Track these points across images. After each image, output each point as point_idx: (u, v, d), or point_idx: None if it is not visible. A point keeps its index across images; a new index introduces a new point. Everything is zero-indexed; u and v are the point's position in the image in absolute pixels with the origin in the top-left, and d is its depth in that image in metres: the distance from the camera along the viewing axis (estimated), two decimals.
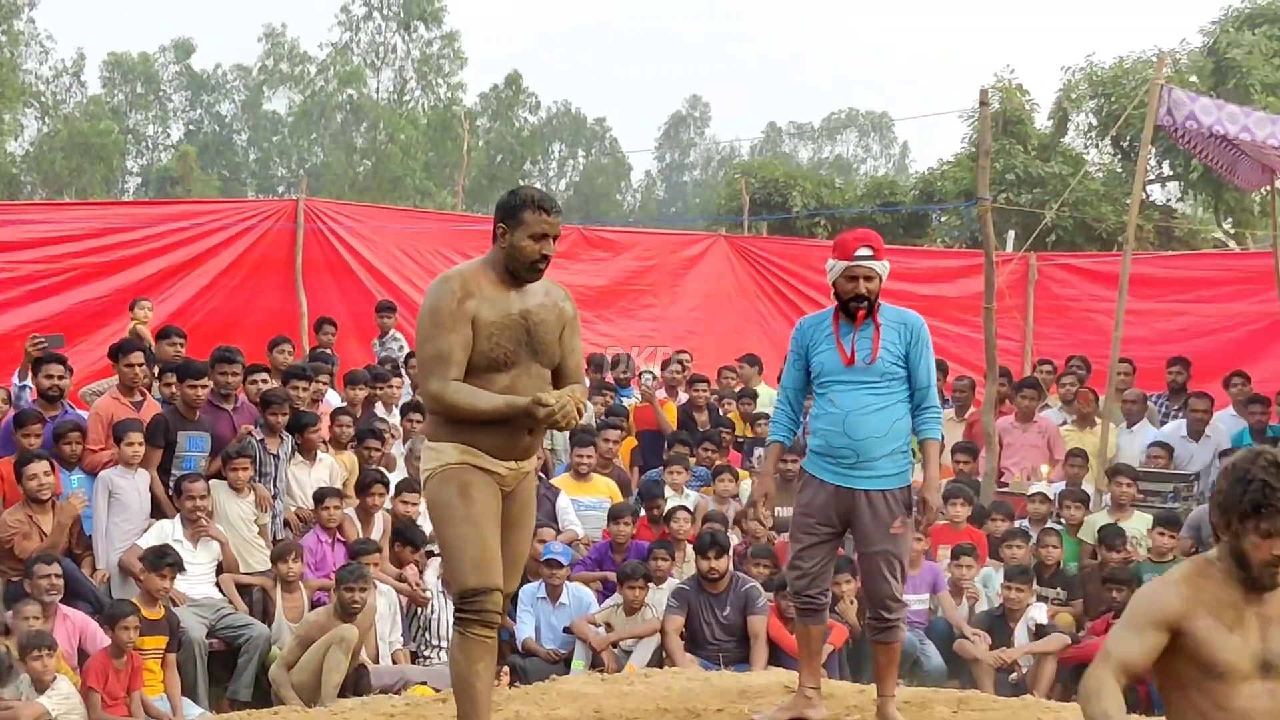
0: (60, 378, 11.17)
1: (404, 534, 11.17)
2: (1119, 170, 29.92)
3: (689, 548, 11.38)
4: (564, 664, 10.74)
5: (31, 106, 59.24)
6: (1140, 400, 14.05)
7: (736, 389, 15.84)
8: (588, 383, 6.45)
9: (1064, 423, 14.20)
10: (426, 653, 10.86)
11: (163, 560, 9.63)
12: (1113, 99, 28.12)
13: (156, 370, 12.01)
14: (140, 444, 10.54)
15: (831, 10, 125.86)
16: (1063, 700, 9.53)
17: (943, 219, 31.00)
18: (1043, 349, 17.88)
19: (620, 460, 13.84)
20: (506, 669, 10.57)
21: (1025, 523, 12.26)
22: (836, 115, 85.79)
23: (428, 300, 5.97)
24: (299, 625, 10.18)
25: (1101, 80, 29.15)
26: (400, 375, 14.32)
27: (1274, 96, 26.85)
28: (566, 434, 13.72)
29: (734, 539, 11.83)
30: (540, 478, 12.43)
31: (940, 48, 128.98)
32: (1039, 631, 10.84)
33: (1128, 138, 27.64)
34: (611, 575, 11.45)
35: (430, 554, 11.25)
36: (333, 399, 13.30)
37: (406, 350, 15.35)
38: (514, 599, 11.24)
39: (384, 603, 10.62)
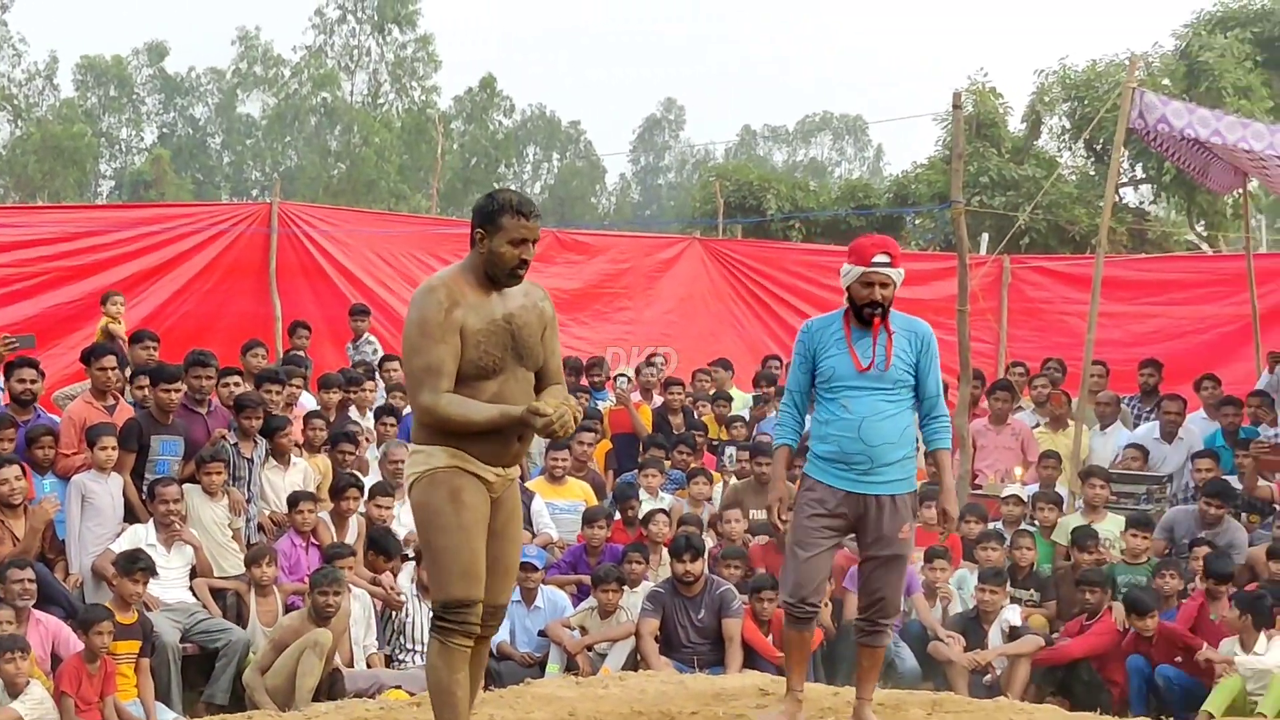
0: (32, 381, 11.14)
1: (379, 543, 11.13)
2: (1092, 173, 30.01)
3: (665, 551, 11.39)
4: (539, 667, 10.74)
5: (4, 109, 59.08)
6: (1113, 402, 14.10)
7: (710, 392, 15.85)
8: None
9: (1037, 425, 14.24)
10: (401, 656, 10.84)
11: (135, 565, 9.60)
12: (1085, 102, 28.19)
13: (128, 373, 11.97)
14: (113, 448, 10.51)
15: (806, 14, 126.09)
16: (1036, 701, 9.59)
17: (916, 222, 31.05)
18: (1016, 351, 17.93)
19: (595, 463, 13.85)
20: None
21: (999, 525, 12.29)
22: (811, 118, 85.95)
23: (414, 312, 5.83)
24: (273, 629, 10.16)
25: (1074, 83, 29.22)
26: (374, 379, 14.31)
27: (1246, 99, 26.97)
28: (541, 439, 13.72)
29: (709, 542, 11.83)
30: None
31: (914, 51, 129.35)
32: (1013, 633, 10.87)
33: (1100, 140, 27.73)
34: (586, 578, 11.45)
35: (405, 558, 11.24)
36: (306, 402, 13.29)
37: (381, 354, 15.35)
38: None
39: (358, 606, 10.60)
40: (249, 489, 11.28)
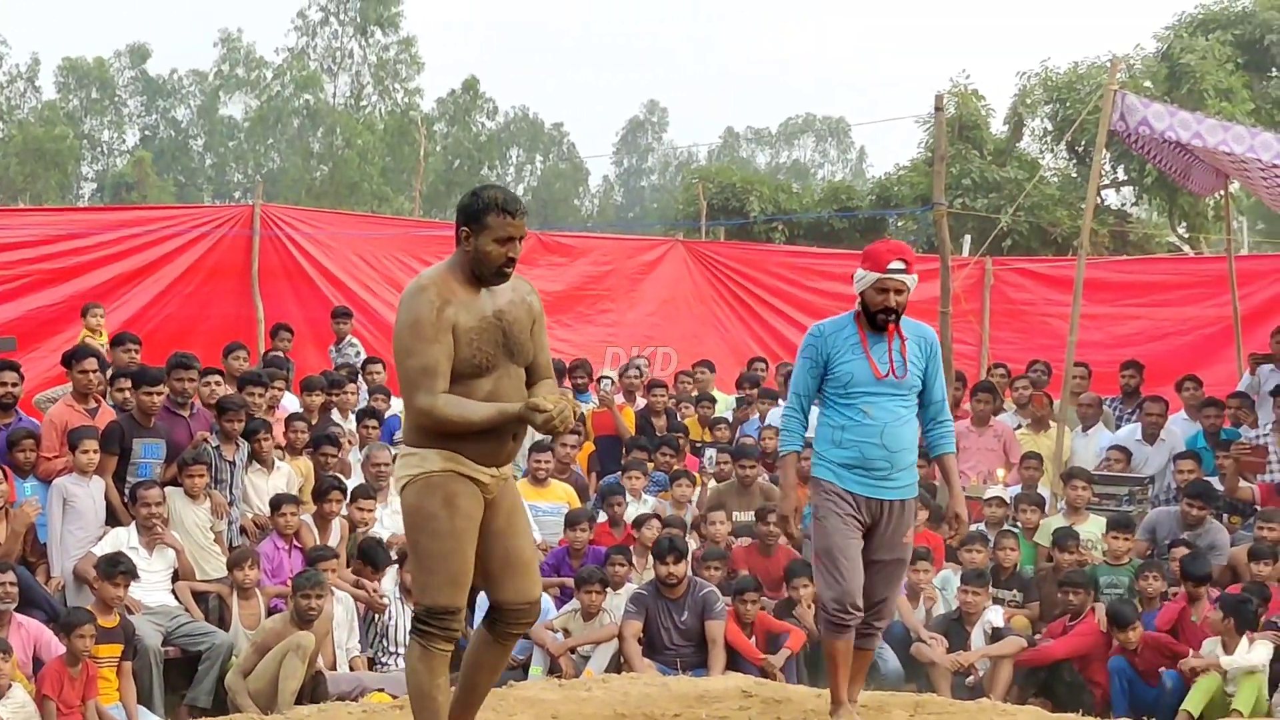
0: (13, 385, 11.11)
1: (368, 554, 11.15)
2: (1074, 175, 30.08)
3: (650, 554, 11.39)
4: (521, 670, 10.72)
5: None
6: (1095, 404, 14.13)
7: (693, 394, 15.86)
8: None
9: (1019, 426, 14.27)
10: (384, 659, 10.83)
11: (116, 568, 9.59)
12: (1067, 104, 28.24)
13: (109, 375, 11.95)
14: (95, 451, 10.49)
15: (788, 17, 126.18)
16: (1019, 703, 9.60)
17: (899, 224, 31.09)
18: (998, 353, 17.96)
19: (578, 465, 13.85)
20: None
21: (981, 526, 12.31)
22: (794, 120, 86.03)
23: (405, 313, 5.76)
24: (255, 632, 10.14)
25: (1056, 85, 29.28)
26: (356, 381, 14.30)
27: (1227, 102, 27.04)
28: (524, 440, 13.72)
29: (692, 544, 11.84)
30: None
31: (896, 53, 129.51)
32: (995, 634, 10.89)
33: (1082, 142, 27.79)
34: (569, 581, 11.45)
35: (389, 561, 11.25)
36: (288, 404, 13.27)
37: (364, 356, 15.34)
38: (472, 605, 11.26)
39: (341, 610, 10.60)
40: (231, 492, 11.26)
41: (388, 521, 12.06)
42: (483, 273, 5.82)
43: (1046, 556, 11.87)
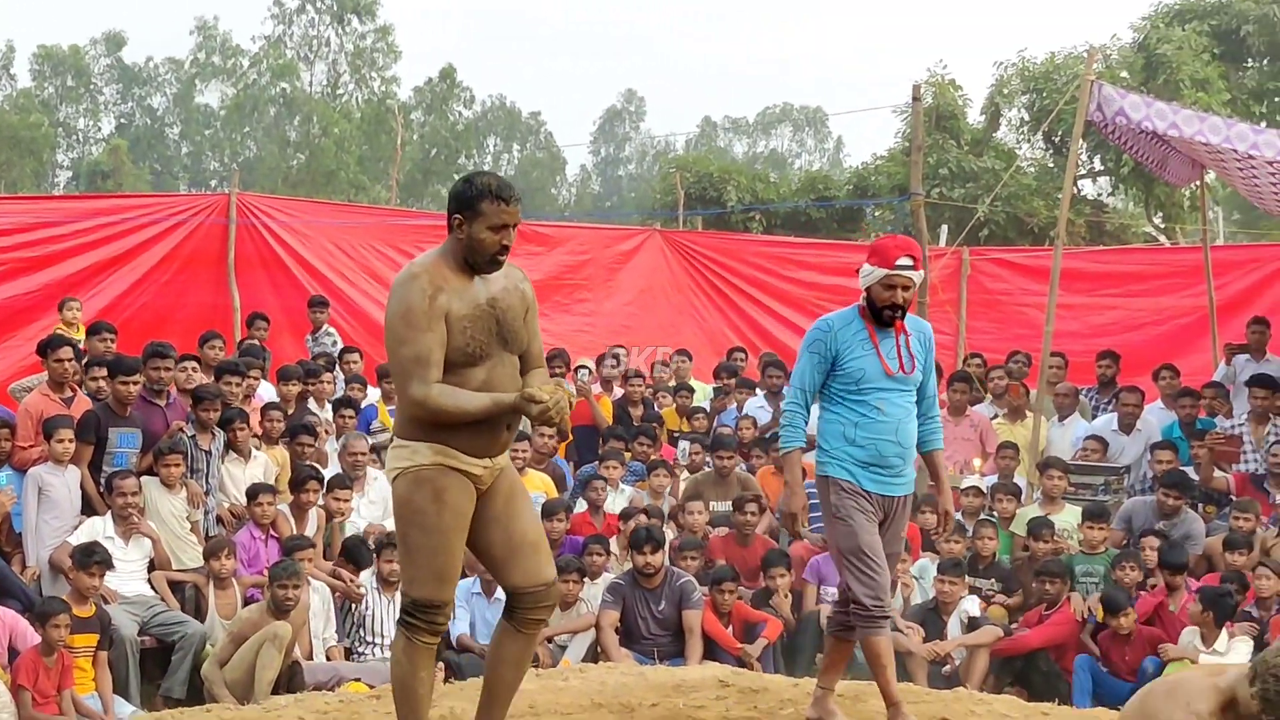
0: None
1: (352, 553, 11.15)
2: (1050, 165, 30.14)
3: None
4: None
5: None
6: (1071, 394, 14.17)
7: (671, 383, 15.86)
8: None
9: (995, 416, 14.30)
10: (360, 649, 10.81)
11: (91, 558, 9.56)
12: (1044, 94, 28.31)
13: (84, 364, 11.90)
14: (70, 440, 10.45)
15: (766, 6, 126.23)
16: (995, 692, 9.63)
17: (876, 214, 31.12)
18: (976, 343, 17.98)
19: (560, 457, 13.85)
20: (442, 665, 10.54)
21: (959, 516, 12.34)
22: (771, 110, 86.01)
23: (397, 302, 5.69)
24: (232, 622, 10.12)
25: (1033, 76, 29.35)
26: (333, 370, 14.27)
27: (1203, 92, 27.12)
28: None
29: (669, 534, 11.85)
30: None
31: (874, 43, 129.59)
32: (971, 624, 10.91)
33: (1059, 133, 27.85)
34: None
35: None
36: (265, 394, 13.24)
37: (341, 345, 15.31)
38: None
39: (317, 599, 10.57)
40: (207, 481, 11.23)
41: (365, 511, 12.06)
42: (476, 260, 5.75)
43: (1022, 546, 11.91)
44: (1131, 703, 5.21)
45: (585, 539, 11.50)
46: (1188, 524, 11.64)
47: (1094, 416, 14.20)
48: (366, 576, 10.98)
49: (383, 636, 10.76)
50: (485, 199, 5.70)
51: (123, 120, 71.30)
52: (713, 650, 10.64)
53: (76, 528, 10.35)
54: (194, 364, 12.17)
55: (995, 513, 12.36)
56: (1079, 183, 28.21)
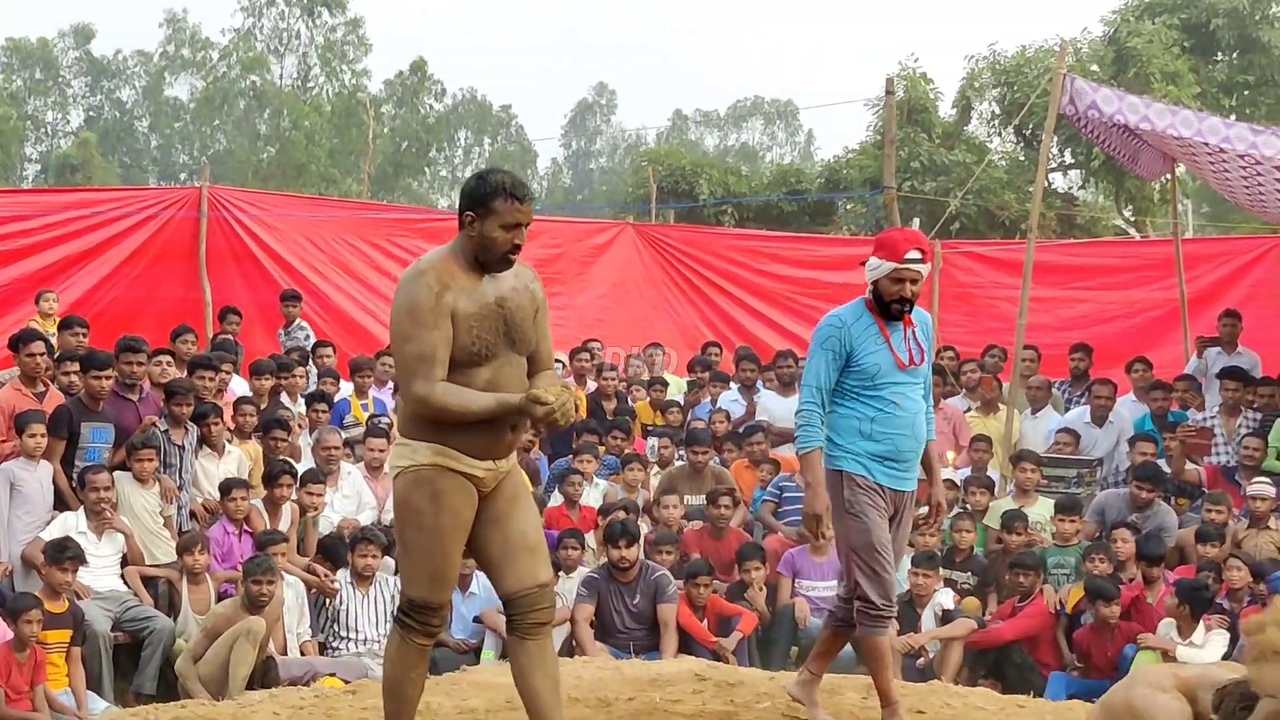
0: None
1: (330, 551, 11.15)
2: (1021, 158, 30.23)
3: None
4: (474, 654, 10.74)
5: None
6: (1044, 386, 14.21)
7: (645, 377, 15.86)
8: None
9: (968, 409, 14.33)
10: (335, 644, 10.80)
11: (63, 554, 9.53)
12: (1015, 88, 28.38)
13: (56, 358, 11.85)
14: (43, 435, 10.41)
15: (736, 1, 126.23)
16: (969, 684, 9.65)
17: (848, 207, 31.16)
18: (948, 336, 17.98)
19: (540, 452, 13.84)
20: None
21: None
22: (742, 103, 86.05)
23: (403, 298, 5.62)
24: (205, 617, 10.10)
25: (1004, 69, 29.42)
26: (306, 365, 14.24)
27: (1173, 85, 27.23)
28: None
29: (644, 527, 11.85)
30: None
31: (845, 36, 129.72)
32: (945, 616, 10.94)
33: (1030, 126, 27.93)
34: None
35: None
36: (237, 388, 13.21)
37: (313, 340, 15.27)
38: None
39: (291, 594, 10.56)
40: (180, 476, 11.19)
41: (338, 505, 12.04)
42: (487, 259, 5.68)
43: (996, 539, 11.94)
44: (1104, 698, 5.26)
45: (560, 533, 11.49)
46: (1160, 516, 11.69)
47: (1066, 409, 14.25)
48: (341, 571, 10.96)
49: (357, 631, 10.76)
50: (499, 196, 5.63)
51: (91, 113, 70.99)
52: (688, 644, 10.65)
53: (49, 523, 10.31)
54: (168, 358, 12.14)
55: (968, 505, 12.38)
56: (1050, 176, 28.27)
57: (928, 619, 10.96)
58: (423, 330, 5.55)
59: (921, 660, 10.72)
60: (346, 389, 14.19)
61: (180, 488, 11.14)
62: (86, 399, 10.89)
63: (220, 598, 10.49)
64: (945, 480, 12.41)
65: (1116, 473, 13.12)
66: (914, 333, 6.92)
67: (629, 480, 12.91)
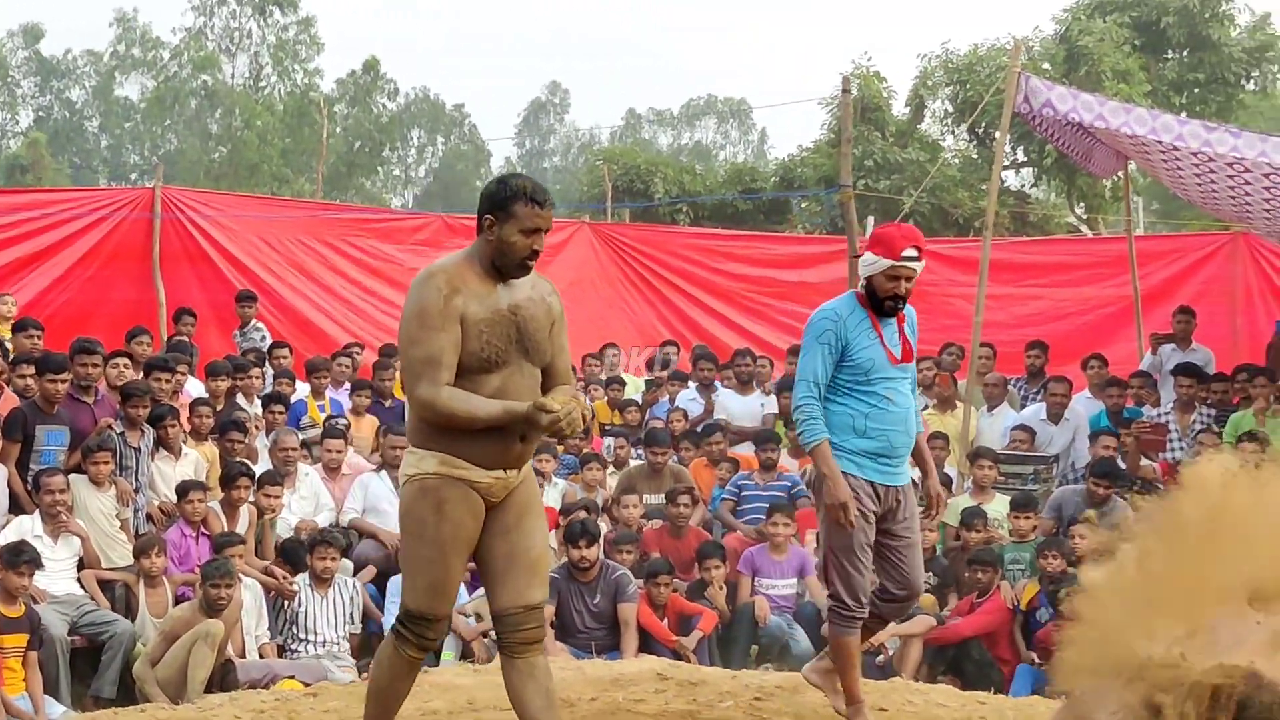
0: None
1: (290, 555, 11.10)
2: (974, 156, 30.37)
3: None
4: (434, 655, 10.70)
5: None
6: (1000, 384, 14.27)
7: (602, 376, 15.86)
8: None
9: (925, 406, 14.37)
10: (294, 646, 10.75)
11: (19, 558, 9.45)
12: (968, 86, 28.50)
13: (10, 361, 11.77)
14: None
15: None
16: (929, 681, 9.69)
17: (803, 205, 31.23)
18: None
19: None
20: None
21: None
22: (695, 102, 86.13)
23: (412, 301, 5.57)
24: (163, 621, 10.05)
25: (957, 67, 29.53)
26: (262, 366, 14.18)
27: (1124, 83, 27.39)
28: None
29: (603, 527, 11.85)
30: None
31: (797, 34, 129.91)
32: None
33: (983, 124, 28.06)
34: None
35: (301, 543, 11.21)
36: (192, 389, 13.15)
37: (269, 340, 15.20)
38: (384, 590, 11.22)
39: (249, 596, 10.51)
40: (137, 478, 11.13)
41: (296, 507, 12.00)
42: (504, 264, 5.65)
43: (954, 536, 11.99)
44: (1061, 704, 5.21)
45: None
46: (1117, 512, 11.74)
47: (1022, 406, 14.31)
48: (301, 576, 10.93)
49: (316, 634, 10.72)
50: (519, 201, 5.59)
51: (41, 113, 70.47)
52: (648, 643, 10.65)
53: (3, 527, 10.23)
54: (125, 360, 12.06)
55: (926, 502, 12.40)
56: (1002, 173, 28.40)
57: None
58: (430, 333, 5.50)
59: (881, 657, 10.74)
60: (303, 390, 14.13)
61: (137, 490, 11.07)
62: (41, 402, 10.82)
63: (178, 601, 10.43)
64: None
65: (1073, 469, 13.19)
66: (903, 328, 6.92)
67: (588, 480, 12.90)
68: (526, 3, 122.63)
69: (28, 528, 10.16)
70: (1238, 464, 4.42)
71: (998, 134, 14.04)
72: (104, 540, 10.63)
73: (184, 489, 11.02)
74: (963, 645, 10.85)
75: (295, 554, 11.07)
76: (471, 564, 5.85)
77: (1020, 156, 29.75)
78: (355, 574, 11.41)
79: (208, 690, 9.30)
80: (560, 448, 13.02)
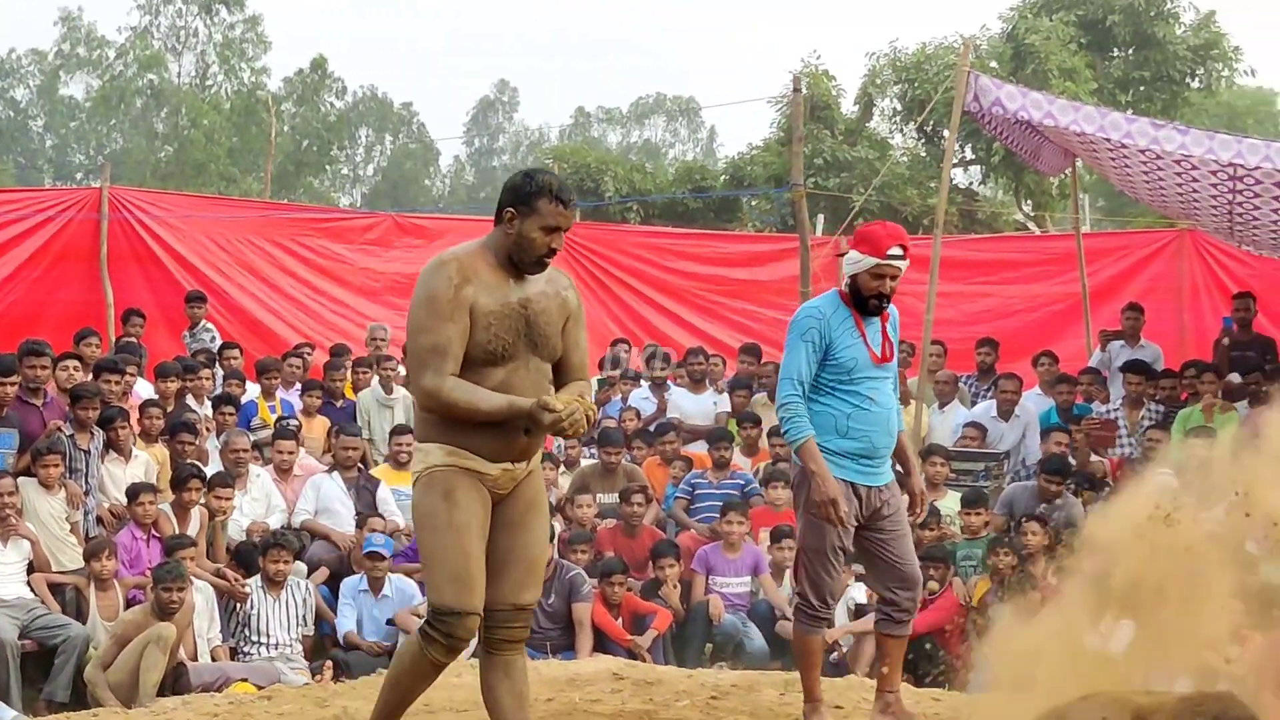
0: None
1: (243, 558, 11.07)
2: (923, 154, 30.45)
3: None
4: (388, 656, 10.65)
5: None
6: (951, 381, 14.34)
7: None
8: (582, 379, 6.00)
9: None
10: (246, 649, 10.70)
11: None
12: (916, 84, 28.57)
13: None
14: None
15: None
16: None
17: (753, 204, 31.26)
18: None
19: None
20: (330, 664, 10.50)
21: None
22: (644, 100, 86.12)
23: (421, 288, 5.53)
24: (115, 624, 10.00)
25: (905, 66, 29.59)
26: (212, 367, 14.10)
27: (1071, 81, 27.51)
28: (385, 423, 13.65)
29: (557, 526, 11.84)
30: (360, 469, 12.34)
31: (746, 33, 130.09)
32: (858, 611, 11.02)
33: (931, 123, 28.15)
34: None
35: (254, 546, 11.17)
36: (142, 391, 13.07)
37: (219, 341, 15.11)
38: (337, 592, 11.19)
39: (201, 599, 10.46)
40: (87, 481, 11.06)
41: (247, 509, 11.95)
42: (521, 259, 5.59)
43: None
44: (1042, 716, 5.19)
45: None
46: (1067, 508, 11.82)
47: (973, 403, 14.39)
48: (254, 578, 10.88)
49: (269, 636, 10.68)
50: (543, 197, 5.54)
51: None
52: (603, 643, 10.67)
53: None
54: (75, 362, 11.98)
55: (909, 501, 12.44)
56: (950, 171, 28.51)
57: (840, 613, 11.02)
58: (439, 322, 5.45)
59: (834, 655, 10.78)
60: (253, 391, 14.05)
61: (87, 493, 11.01)
62: None
63: (129, 604, 10.38)
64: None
65: (1023, 466, 13.27)
66: (886, 328, 6.90)
67: None
68: (475, 1, 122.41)
69: None
70: None
71: (946, 132, 14.09)
72: (54, 543, 10.56)
73: (134, 491, 10.95)
74: (915, 642, 10.85)
75: (249, 558, 11.03)
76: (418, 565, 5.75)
77: (968, 154, 29.85)
78: (308, 576, 11.37)
79: (160, 693, 9.29)
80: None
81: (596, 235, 20.46)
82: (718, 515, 11.91)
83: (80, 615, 10.30)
